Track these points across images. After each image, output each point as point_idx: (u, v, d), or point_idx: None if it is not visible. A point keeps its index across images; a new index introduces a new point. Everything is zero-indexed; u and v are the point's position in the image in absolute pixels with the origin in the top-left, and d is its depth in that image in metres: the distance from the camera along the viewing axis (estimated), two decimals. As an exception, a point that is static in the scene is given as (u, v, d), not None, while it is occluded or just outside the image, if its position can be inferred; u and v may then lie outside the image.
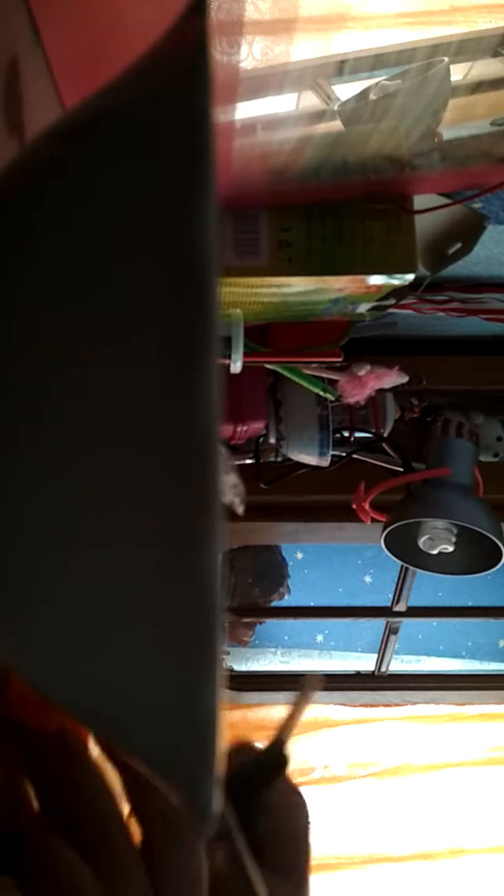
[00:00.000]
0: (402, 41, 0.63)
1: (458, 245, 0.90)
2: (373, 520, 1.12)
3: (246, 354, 0.79)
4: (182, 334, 0.16)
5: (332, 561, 1.86)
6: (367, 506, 1.10)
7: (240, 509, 0.91)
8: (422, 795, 1.80)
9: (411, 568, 1.27)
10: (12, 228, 0.19)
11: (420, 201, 0.73)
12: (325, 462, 1.12)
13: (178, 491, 0.16)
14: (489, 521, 1.04)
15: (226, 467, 0.87)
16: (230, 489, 0.88)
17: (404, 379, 1.07)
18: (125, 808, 0.26)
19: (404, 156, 0.66)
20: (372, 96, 0.63)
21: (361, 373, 1.03)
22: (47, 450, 0.18)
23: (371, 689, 1.78)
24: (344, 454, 1.17)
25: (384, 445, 1.18)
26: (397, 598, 1.62)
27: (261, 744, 0.30)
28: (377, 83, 0.64)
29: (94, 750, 0.28)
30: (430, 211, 0.75)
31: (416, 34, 0.62)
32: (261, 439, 1.15)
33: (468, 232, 0.89)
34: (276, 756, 0.29)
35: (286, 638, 1.89)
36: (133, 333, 0.17)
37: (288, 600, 1.72)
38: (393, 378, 1.06)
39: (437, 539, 1.08)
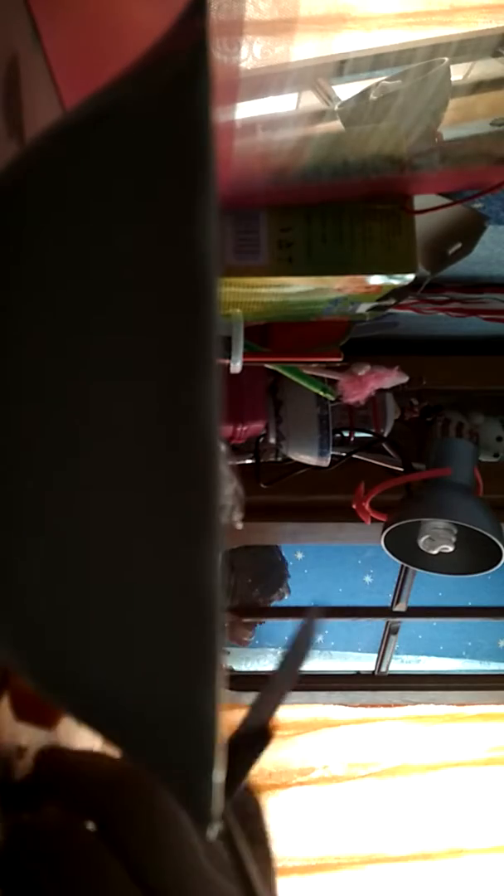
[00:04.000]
0: (402, 41, 0.63)
1: (458, 245, 0.90)
2: (373, 520, 1.12)
3: (246, 354, 0.79)
4: (182, 335, 0.16)
5: (332, 561, 1.86)
6: (367, 506, 1.10)
7: (238, 524, 0.91)
8: (421, 795, 1.80)
9: (411, 568, 1.27)
10: (12, 228, 0.19)
11: (420, 201, 0.73)
12: (325, 462, 1.12)
13: (179, 492, 0.16)
14: (489, 521, 1.04)
15: (226, 469, 0.87)
16: (230, 496, 0.88)
17: (404, 379, 1.07)
18: None
19: (404, 156, 0.66)
20: (372, 96, 0.63)
21: (361, 373, 1.03)
22: (45, 458, 0.18)
23: (371, 689, 1.78)
24: (344, 454, 1.17)
25: (384, 445, 1.18)
26: (397, 598, 1.62)
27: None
28: (377, 83, 0.64)
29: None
30: (430, 211, 0.75)
31: (416, 34, 0.62)
32: (261, 439, 1.15)
33: (468, 232, 0.89)
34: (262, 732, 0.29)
35: (286, 638, 1.88)
36: (133, 334, 0.17)
37: (288, 600, 1.72)
38: (393, 378, 1.06)
39: (437, 539, 1.08)
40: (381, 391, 1.10)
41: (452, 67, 0.63)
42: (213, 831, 0.19)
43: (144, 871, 0.24)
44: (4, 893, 0.25)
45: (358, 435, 1.21)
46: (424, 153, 0.67)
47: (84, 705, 0.21)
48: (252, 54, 0.56)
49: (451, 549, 1.08)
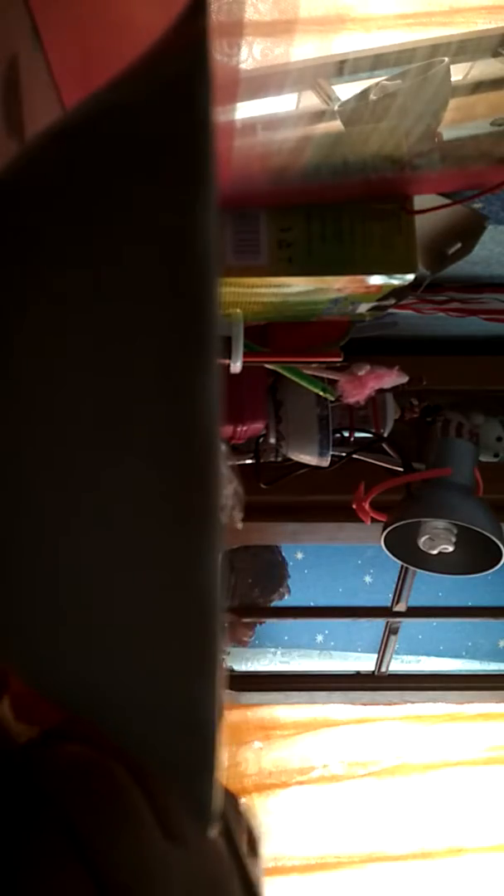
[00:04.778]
0: (401, 42, 0.63)
1: (458, 245, 0.90)
2: (373, 520, 1.12)
3: (246, 354, 0.79)
4: (183, 335, 0.16)
5: (332, 561, 1.86)
6: (367, 506, 1.10)
7: (238, 524, 0.91)
8: (421, 795, 1.80)
9: (411, 568, 1.27)
10: (12, 227, 0.19)
11: (420, 201, 0.73)
12: (325, 462, 1.12)
13: (178, 492, 0.16)
14: (489, 521, 1.04)
15: (226, 469, 0.87)
16: (230, 496, 0.88)
17: (404, 379, 1.07)
18: None
19: (404, 156, 0.66)
20: (372, 96, 0.63)
21: (361, 373, 1.03)
22: (45, 452, 0.18)
23: (371, 689, 1.78)
24: (344, 454, 1.17)
25: (384, 445, 1.18)
26: (397, 598, 1.63)
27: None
28: (377, 83, 0.64)
29: None
30: (430, 211, 0.75)
31: (415, 35, 0.62)
32: (261, 439, 1.15)
33: (468, 232, 0.89)
34: None
35: (286, 638, 1.89)
36: (134, 334, 0.17)
37: (288, 600, 1.72)
38: (393, 378, 1.06)
39: (437, 539, 1.08)
40: (381, 391, 1.10)
41: (452, 67, 0.63)
42: (214, 830, 0.19)
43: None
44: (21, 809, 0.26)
45: (358, 435, 1.21)
46: (424, 153, 0.67)
47: (85, 706, 0.21)
48: (252, 55, 0.56)
49: (451, 549, 1.08)
